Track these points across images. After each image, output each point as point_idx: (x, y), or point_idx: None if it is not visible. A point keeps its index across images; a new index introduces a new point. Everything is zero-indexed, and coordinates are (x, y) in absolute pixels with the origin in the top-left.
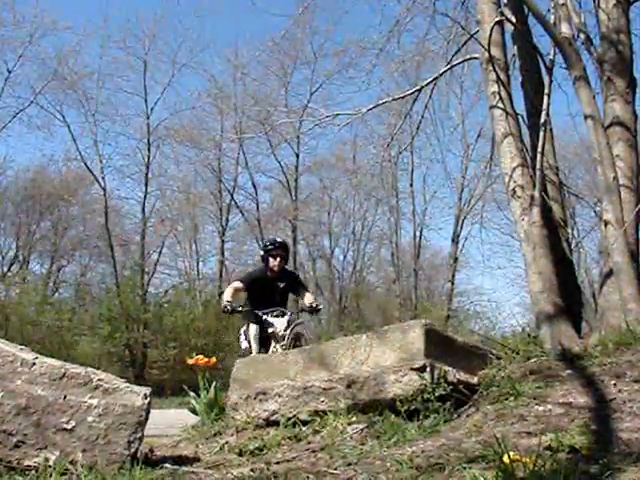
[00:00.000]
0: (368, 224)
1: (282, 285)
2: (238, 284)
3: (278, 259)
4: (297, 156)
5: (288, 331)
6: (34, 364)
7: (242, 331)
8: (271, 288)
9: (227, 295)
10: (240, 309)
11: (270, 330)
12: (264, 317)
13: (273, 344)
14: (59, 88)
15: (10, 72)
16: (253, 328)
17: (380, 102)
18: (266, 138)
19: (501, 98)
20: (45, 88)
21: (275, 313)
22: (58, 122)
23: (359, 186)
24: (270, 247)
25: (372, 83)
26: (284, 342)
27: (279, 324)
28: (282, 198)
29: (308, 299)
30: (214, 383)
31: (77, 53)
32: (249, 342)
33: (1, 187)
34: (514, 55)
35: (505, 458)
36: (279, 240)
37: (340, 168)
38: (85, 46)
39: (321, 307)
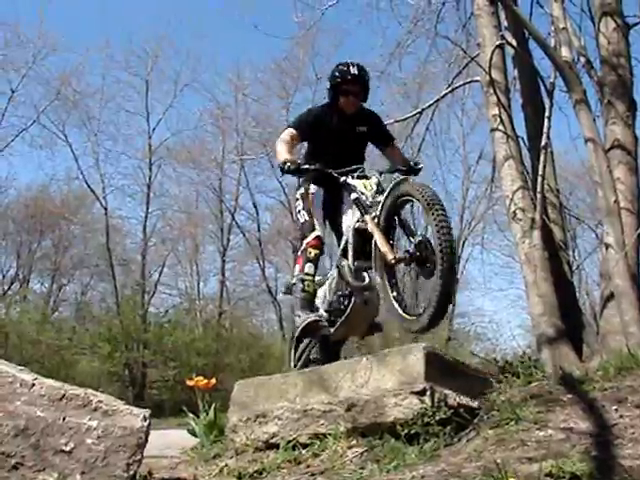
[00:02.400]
0: None
1: (361, 130)
2: (291, 132)
3: (352, 98)
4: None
5: (382, 197)
6: (33, 385)
7: (299, 195)
8: (343, 135)
9: (283, 151)
10: (308, 167)
11: (353, 196)
12: (342, 179)
13: (355, 217)
14: (62, 108)
15: (14, 92)
16: (313, 188)
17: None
18: (267, 159)
19: (502, 121)
20: (48, 108)
21: (357, 173)
22: (60, 141)
23: None
24: (338, 79)
25: (373, 105)
26: (376, 213)
27: (366, 187)
28: (283, 218)
29: (398, 155)
30: (214, 404)
31: (80, 73)
32: (309, 212)
33: (3, 205)
34: (515, 78)
35: None
36: (353, 71)
37: None
38: (88, 66)
39: (422, 166)
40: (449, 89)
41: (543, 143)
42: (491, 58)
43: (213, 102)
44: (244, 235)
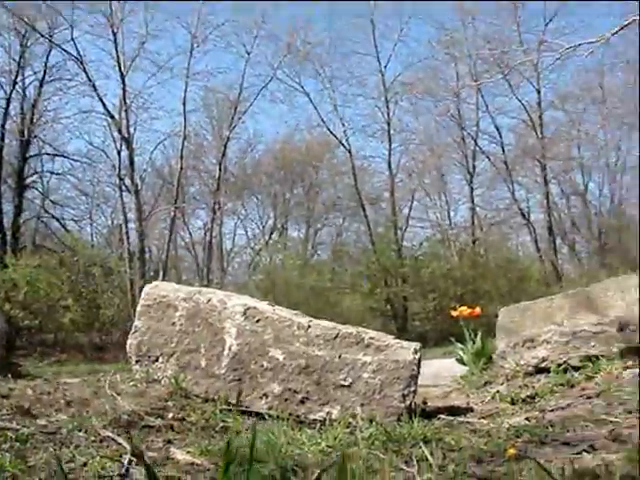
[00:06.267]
0: (622, 153)
1: None
2: None
3: None
4: (538, 92)
5: None
6: (309, 327)
7: None
8: None
9: None
10: None
11: None
12: None
13: None
14: (295, 60)
15: (249, 53)
16: None
17: (625, 23)
18: (504, 79)
19: None
20: (282, 62)
21: None
22: (298, 93)
23: (609, 114)
24: None
25: (613, 3)
26: None
27: None
28: (527, 137)
29: None
30: (479, 332)
31: (307, 25)
32: None
33: (254, 161)
34: None
35: None
36: None
37: (586, 98)
38: (313, 17)
39: None
40: None
41: None
42: None
43: (440, 29)
44: (489, 159)
